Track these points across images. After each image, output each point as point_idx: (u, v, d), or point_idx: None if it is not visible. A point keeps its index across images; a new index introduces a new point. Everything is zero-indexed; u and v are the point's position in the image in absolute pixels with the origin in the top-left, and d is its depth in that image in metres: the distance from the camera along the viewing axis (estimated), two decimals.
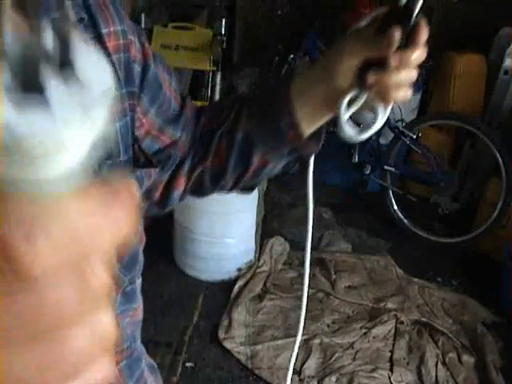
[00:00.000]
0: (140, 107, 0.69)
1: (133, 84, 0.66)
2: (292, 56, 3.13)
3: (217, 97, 3.17)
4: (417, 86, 3.23)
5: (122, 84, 0.64)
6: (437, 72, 3.28)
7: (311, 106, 0.67)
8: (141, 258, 0.71)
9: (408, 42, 0.58)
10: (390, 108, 0.64)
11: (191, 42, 3.21)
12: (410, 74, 0.61)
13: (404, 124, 3.03)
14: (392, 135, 3.03)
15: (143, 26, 3.16)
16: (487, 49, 3.24)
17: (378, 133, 3.08)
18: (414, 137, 2.94)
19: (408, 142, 2.96)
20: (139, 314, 0.76)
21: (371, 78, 0.60)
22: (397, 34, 0.57)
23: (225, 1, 3.78)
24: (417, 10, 0.57)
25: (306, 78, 0.68)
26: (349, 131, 0.63)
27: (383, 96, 0.61)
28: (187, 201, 0.78)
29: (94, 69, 0.21)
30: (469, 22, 3.29)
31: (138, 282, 0.74)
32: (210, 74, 3.19)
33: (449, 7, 3.51)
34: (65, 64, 0.20)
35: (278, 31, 3.77)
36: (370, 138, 3.08)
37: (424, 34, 0.58)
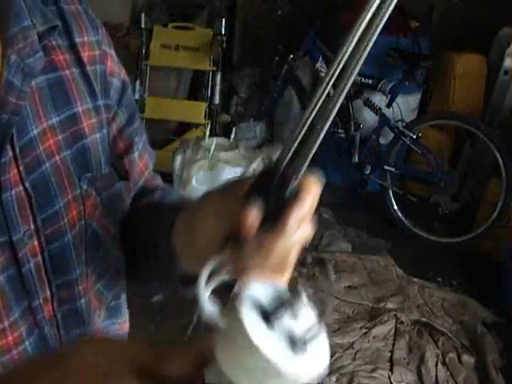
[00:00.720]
0: (115, 124, 0.66)
1: (108, 97, 0.64)
2: (292, 56, 3.13)
3: (217, 97, 3.17)
4: (417, 85, 3.23)
5: (97, 96, 0.62)
6: (437, 72, 3.28)
7: (183, 246, 0.55)
8: (123, 272, 0.68)
9: (278, 220, 0.43)
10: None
11: (191, 42, 3.21)
12: (279, 259, 0.45)
13: (404, 124, 3.03)
14: (392, 135, 3.03)
15: (143, 25, 3.16)
16: (487, 49, 3.24)
17: (378, 133, 3.08)
18: (414, 137, 2.94)
19: (408, 142, 2.96)
20: (126, 328, 0.74)
21: (226, 251, 0.46)
22: (253, 213, 0.42)
23: (225, 1, 3.78)
24: (297, 180, 0.42)
25: (185, 213, 0.55)
26: (209, 310, 0.44)
27: (240, 274, 0.45)
28: None
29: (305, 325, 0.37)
30: (469, 21, 3.29)
31: (123, 297, 0.71)
32: (210, 74, 3.19)
33: (449, 7, 3.51)
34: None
35: (277, 31, 3.76)
36: (370, 138, 3.08)
37: (299, 214, 0.42)
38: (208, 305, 0.44)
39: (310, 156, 0.42)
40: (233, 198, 0.46)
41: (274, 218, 0.43)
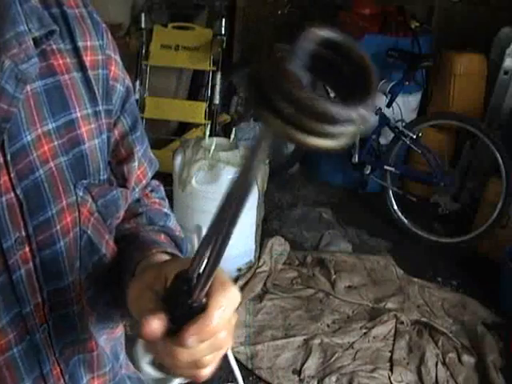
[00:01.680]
0: (118, 130, 0.66)
1: (110, 102, 0.63)
2: None
3: (217, 97, 3.17)
4: (417, 85, 3.23)
5: (98, 101, 0.61)
6: (437, 72, 3.28)
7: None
8: (115, 278, 0.67)
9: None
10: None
11: (191, 41, 3.21)
12: (195, 358, 0.47)
13: (404, 124, 3.03)
14: (392, 135, 3.03)
15: (143, 25, 3.16)
16: (487, 49, 3.24)
17: (378, 133, 3.08)
18: (414, 137, 2.94)
19: (408, 142, 2.96)
20: (117, 332, 0.73)
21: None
22: (154, 325, 0.44)
23: (225, 1, 3.78)
24: (204, 291, 0.43)
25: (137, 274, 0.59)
26: (149, 374, 0.53)
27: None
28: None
29: None
30: (469, 21, 3.29)
31: (116, 303, 0.68)
32: (210, 73, 3.19)
33: (449, 7, 3.51)
34: None
35: (277, 31, 3.76)
36: (369, 138, 3.08)
37: (198, 331, 0.44)
38: (148, 368, 0.50)
39: (216, 267, 0.42)
40: (149, 300, 0.48)
41: (178, 328, 0.43)
